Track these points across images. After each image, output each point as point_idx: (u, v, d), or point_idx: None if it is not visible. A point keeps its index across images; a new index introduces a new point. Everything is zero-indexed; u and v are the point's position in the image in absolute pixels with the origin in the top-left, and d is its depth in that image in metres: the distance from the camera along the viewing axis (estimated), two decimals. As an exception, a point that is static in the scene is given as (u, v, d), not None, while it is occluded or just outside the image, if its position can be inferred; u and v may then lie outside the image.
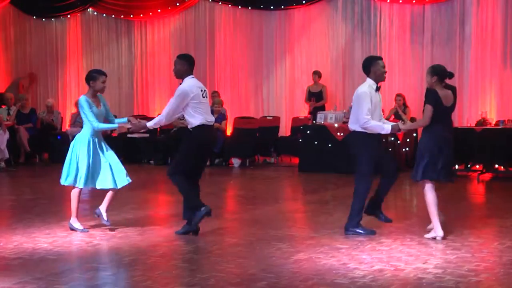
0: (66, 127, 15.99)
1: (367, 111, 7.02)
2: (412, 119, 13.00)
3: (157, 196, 10.31)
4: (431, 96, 6.91)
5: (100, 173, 7.27)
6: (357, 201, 7.14)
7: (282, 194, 11.11)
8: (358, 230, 7.09)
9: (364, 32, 15.06)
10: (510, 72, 13.76)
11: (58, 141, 15.09)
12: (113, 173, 7.29)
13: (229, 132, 15.26)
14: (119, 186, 7.30)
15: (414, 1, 14.49)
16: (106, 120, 7.47)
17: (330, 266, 5.76)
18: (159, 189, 11.35)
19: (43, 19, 18.25)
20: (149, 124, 7.17)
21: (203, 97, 7.07)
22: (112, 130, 10.33)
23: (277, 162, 14.66)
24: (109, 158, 7.34)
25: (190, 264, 5.99)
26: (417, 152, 7.08)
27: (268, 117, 15.64)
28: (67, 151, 7.49)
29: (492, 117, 13.01)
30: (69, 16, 17.93)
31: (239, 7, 16.24)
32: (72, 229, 7.33)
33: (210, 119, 7.13)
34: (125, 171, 7.33)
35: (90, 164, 7.22)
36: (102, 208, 7.40)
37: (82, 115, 7.32)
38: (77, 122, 15.49)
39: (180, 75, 7.14)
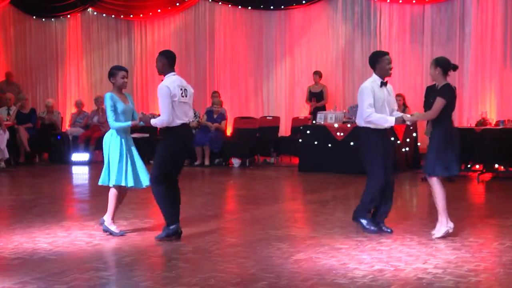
0: (66, 127, 16.00)
1: (367, 105, 7.05)
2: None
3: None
4: (447, 91, 6.88)
5: (135, 171, 7.20)
6: (367, 196, 7.19)
7: (282, 194, 11.10)
8: (362, 222, 7.15)
9: (364, 32, 15.06)
10: (510, 72, 13.76)
11: (58, 141, 15.09)
12: (140, 172, 7.23)
13: (229, 132, 15.26)
14: (143, 186, 7.24)
15: (414, 1, 14.49)
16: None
17: (330, 266, 5.76)
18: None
19: (43, 19, 18.24)
20: (152, 121, 7.03)
21: (183, 96, 6.90)
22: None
23: (277, 162, 14.66)
24: (137, 157, 7.28)
25: (190, 264, 5.98)
26: (430, 146, 7.03)
27: (268, 117, 15.64)
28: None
29: (492, 117, 13.00)
30: (69, 16, 17.92)
31: (239, 7, 16.25)
32: (106, 231, 7.19)
33: (187, 119, 6.97)
34: (147, 173, 7.20)
35: (127, 162, 7.11)
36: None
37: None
38: (77, 122, 15.51)
39: (161, 72, 7.07)
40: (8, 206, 9.30)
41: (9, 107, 15.15)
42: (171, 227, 6.84)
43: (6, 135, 13.76)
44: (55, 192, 10.92)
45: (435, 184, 6.95)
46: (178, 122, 6.87)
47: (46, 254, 6.31)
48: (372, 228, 7.12)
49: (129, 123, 7.18)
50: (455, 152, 6.94)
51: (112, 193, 7.19)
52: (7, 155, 13.73)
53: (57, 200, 9.91)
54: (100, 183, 7.23)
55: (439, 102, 6.84)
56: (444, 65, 6.97)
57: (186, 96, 6.96)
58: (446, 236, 6.86)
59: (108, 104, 7.11)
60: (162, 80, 6.98)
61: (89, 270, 5.72)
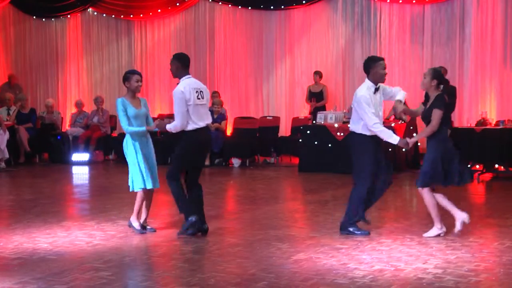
0: (66, 127, 16.00)
1: (371, 115, 6.93)
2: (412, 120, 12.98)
3: (157, 196, 10.27)
4: (441, 101, 6.85)
5: (153, 172, 7.28)
6: (354, 204, 7.12)
7: (282, 194, 11.10)
8: (351, 230, 7.07)
9: (364, 32, 15.06)
10: (510, 72, 13.76)
11: (58, 141, 15.08)
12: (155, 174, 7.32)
13: (229, 132, 15.26)
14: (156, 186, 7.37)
15: (414, 1, 14.49)
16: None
17: (330, 266, 5.76)
18: (159, 189, 11.29)
19: (43, 19, 18.24)
20: (168, 126, 7.04)
21: (199, 98, 6.92)
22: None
23: (277, 162, 14.65)
24: (153, 158, 7.34)
25: (190, 264, 5.99)
26: (426, 159, 6.98)
27: (268, 117, 15.63)
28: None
29: (492, 117, 12.99)
30: (69, 16, 17.92)
31: (239, 7, 16.25)
32: (130, 226, 7.30)
33: (203, 122, 6.99)
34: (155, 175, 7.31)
35: (143, 164, 7.16)
36: (142, 221, 7.38)
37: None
38: (77, 122, 15.51)
39: (176, 75, 7.09)
40: (8, 206, 9.30)
41: (9, 107, 15.14)
42: (190, 218, 6.88)
43: (6, 135, 13.76)
44: (55, 192, 10.91)
45: (425, 193, 6.98)
46: (193, 126, 6.89)
47: (46, 254, 6.31)
48: (362, 231, 7.07)
49: (144, 128, 7.20)
50: (452, 163, 6.90)
51: (138, 195, 7.27)
52: (7, 155, 13.73)
53: (57, 200, 9.91)
54: (131, 189, 7.31)
55: (437, 114, 6.82)
56: (440, 78, 6.99)
57: (202, 98, 6.97)
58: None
59: (119, 109, 7.18)
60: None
61: (89, 270, 5.72)
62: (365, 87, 7.06)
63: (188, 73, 7.05)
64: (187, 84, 6.93)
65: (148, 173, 7.19)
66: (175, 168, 7.05)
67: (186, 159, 7.03)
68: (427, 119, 6.96)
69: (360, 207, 7.12)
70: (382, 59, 7.23)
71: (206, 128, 7.11)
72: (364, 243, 6.65)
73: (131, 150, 7.20)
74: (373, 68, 7.07)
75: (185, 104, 6.84)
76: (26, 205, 9.24)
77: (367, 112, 6.95)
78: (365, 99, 6.98)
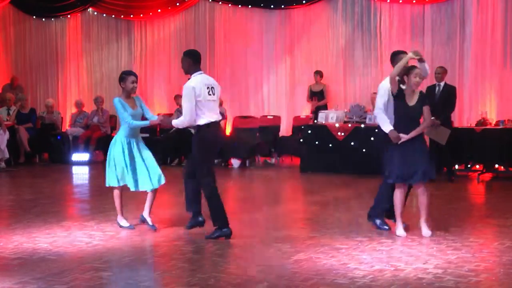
0: (66, 127, 16.00)
1: (381, 104, 7.12)
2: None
3: (157, 196, 10.29)
4: (427, 97, 7.08)
5: (140, 174, 7.32)
6: (379, 196, 7.32)
7: (282, 195, 11.09)
8: (377, 222, 7.24)
9: (364, 32, 15.06)
10: (510, 72, 13.75)
11: (58, 141, 15.08)
12: (149, 173, 7.36)
13: (228, 131, 15.23)
14: (155, 186, 7.42)
15: (414, 1, 14.48)
16: (145, 119, 7.47)
17: (330, 266, 5.76)
18: (158, 189, 11.30)
19: (43, 19, 18.24)
20: (174, 122, 7.08)
21: (210, 94, 6.92)
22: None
23: (277, 163, 14.61)
24: (146, 158, 7.39)
25: (190, 264, 5.99)
26: (426, 152, 7.10)
27: (268, 117, 15.59)
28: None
29: (492, 117, 12.99)
30: (69, 16, 17.92)
31: (239, 6, 16.24)
32: (120, 226, 7.46)
33: (216, 117, 7.03)
34: (159, 172, 7.43)
35: (127, 164, 7.25)
36: (145, 213, 7.44)
37: (118, 116, 7.40)
38: (77, 122, 15.51)
39: (187, 71, 7.09)
40: (8, 206, 9.30)
41: (9, 107, 15.14)
42: (224, 229, 6.88)
43: (6, 135, 13.75)
44: (55, 192, 10.91)
45: (424, 191, 7.03)
46: (205, 121, 6.91)
47: (46, 254, 6.30)
48: (385, 226, 7.20)
49: (147, 122, 7.34)
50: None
51: (115, 194, 7.46)
52: (7, 155, 13.73)
53: (57, 200, 9.91)
54: (109, 185, 7.44)
55: (429, 110, 7.02)
56: None
57: (213, 94, 6.99)
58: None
59: (119, 107, 7.24)
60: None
61: (89, 270, 5.72)
62: (388, 80, 7.19)
63: (199, 69, 7.04)
64: (198, 80, 6.93)
65: (131, 175, 7.27)
66: (202, 169, 7.02)
67: (207, 155, 7.06)
68: (415, 116, 7.02)
69: (384, 201, 7.25)
70: (404, 52, 7.29)
71: (218, 123, 7.17)
72: (364, 243, 6.65)
73: (118, 149, 7.28)
74: (395, 61, 7.17)
75: (194, 99, 6.82)
76: (26, 205, 9.24)
77: (379, 101, 7.17)
78: (383, 89, 7.16)
